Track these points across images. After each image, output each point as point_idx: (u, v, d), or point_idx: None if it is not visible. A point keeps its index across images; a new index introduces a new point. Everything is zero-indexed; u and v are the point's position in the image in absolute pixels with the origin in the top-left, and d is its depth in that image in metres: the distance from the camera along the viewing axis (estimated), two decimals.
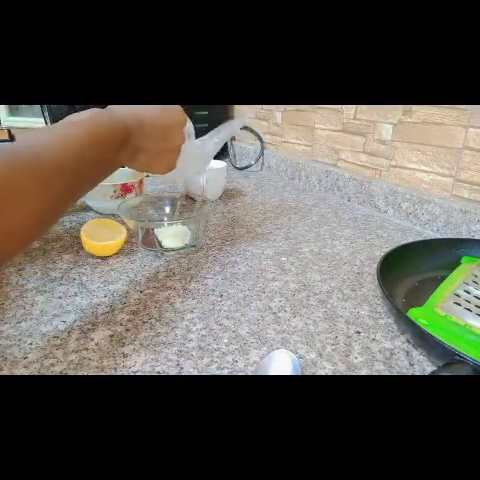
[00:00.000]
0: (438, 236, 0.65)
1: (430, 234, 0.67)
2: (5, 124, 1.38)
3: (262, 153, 1.09)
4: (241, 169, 1.10)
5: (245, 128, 1.16)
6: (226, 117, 1.19)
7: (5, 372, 0.34)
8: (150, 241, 0.56)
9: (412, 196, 0.69)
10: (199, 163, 0.51)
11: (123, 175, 0.75)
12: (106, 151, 0.34)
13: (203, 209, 0.59)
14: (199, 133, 0.50)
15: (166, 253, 0.56)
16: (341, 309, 0.44)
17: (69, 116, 0.35)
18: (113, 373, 0.34)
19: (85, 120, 0.33)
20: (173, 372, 0.34)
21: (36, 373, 0.33)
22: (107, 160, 0.35)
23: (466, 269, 0.45)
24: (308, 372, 0.34)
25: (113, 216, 0.66)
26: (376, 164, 0.78)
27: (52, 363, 0.35)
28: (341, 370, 0.35)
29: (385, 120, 0.74)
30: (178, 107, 0.43)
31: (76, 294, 0.46)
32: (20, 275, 0.50)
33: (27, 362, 0.35)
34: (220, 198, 0.84)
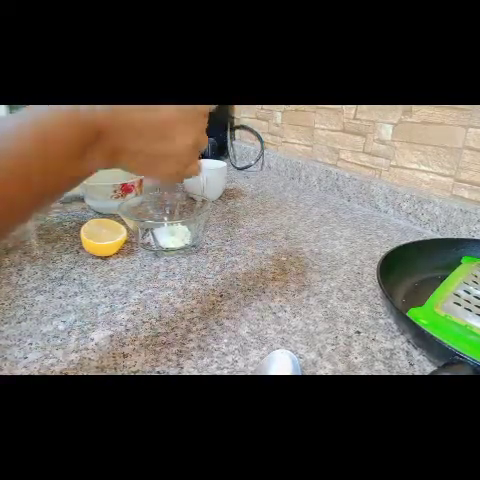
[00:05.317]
0: (438, 236, 0.65)
1: (430, 234, 0.67)
2: None
3: (262, 153, 1.09)
4: (241, 169, 1.10)
5: (245, 128, 1.17)
6: (226, 117, 1.19)
7: (5, 372, 0.34)
8: (150, 241, 0.56)
9: (412, 196, 0.69)
10: None
11: (123, 175, 0.75)
12: (59, 157, 0.26)
13: (203, 209, 0.59)
14: None
15: (166, 253, 0.56)
16: (341, 309, 0.44)
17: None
18: (113, 373, 0.34)
19: (28, 122, 0.26)
20: (173, 372, 0.34)
21: (36, 373, 0.33)
22: (64, 167, 0.27)
23: (466, 269, 0.45)
24: (308, 372, 0.34)
25: (113, 216, 0.66)
26: (376, 164, 0.78)
27: (52, 363, 0.35)
28: (341, 370, 0.35)
29: (385, 120, 0.74)
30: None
31: (76, 294, 0.46)
32: (20, 275, 0.50)
33: (27, 362, 0.35)
34: (220, 198, 0.84)
